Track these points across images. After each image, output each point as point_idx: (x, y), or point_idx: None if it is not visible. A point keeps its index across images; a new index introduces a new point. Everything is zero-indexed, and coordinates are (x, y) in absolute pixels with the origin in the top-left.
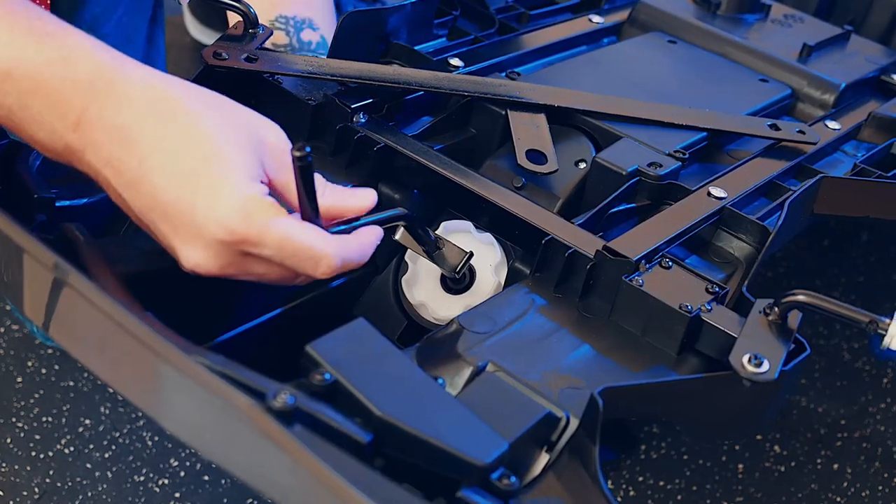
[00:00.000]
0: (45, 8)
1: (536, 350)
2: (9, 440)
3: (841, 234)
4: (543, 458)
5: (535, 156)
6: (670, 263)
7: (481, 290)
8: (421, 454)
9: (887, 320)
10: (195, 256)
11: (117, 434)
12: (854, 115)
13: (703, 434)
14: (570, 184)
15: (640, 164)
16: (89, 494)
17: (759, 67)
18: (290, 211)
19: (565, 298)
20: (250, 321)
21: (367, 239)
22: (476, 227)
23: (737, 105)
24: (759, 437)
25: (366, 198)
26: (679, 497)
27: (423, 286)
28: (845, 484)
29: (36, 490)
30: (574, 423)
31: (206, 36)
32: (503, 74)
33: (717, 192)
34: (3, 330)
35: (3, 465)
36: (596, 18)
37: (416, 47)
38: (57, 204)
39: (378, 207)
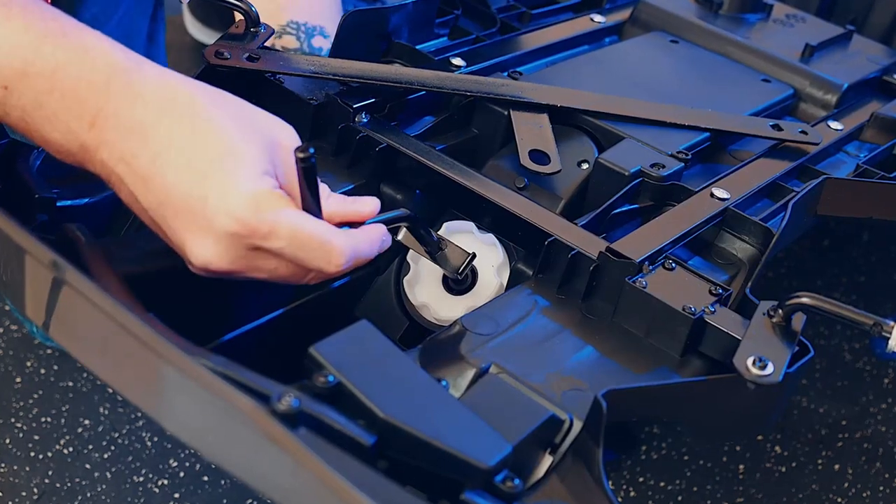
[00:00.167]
0: None
1: (539, 352)
2: (8, 441)
3: (842, 234)
4: (547, 461)
5: (538, 156)
6: (673, 265)
7: (483, 291)
8: (424, 456)
9: (892, 322)
10: (206, 252)
11: (116, 434)
12: (856, 116)
13: (706, 436)
14: (572, 184)
15: (643, 164)
16: (88, 495)
17: (761, 67)
18: None
19: (568, 300)
20: (251, 322)
21: (375, 233)
22: (478, 228)
23: (739, 105)
24: (759, 437)
25: (368, 205)
26: (680, 498)
27: (424, 287)
28: (846, 484)
29: (35, 491)
30: (577, 426)
31: (205, 35)
32: (505, 74)
33: (719, 193)
34: (2, 330)
35: (2, 465)
36: (597, 18)
37: (417, 47)
38: (58, 204)
39: (380, 208)
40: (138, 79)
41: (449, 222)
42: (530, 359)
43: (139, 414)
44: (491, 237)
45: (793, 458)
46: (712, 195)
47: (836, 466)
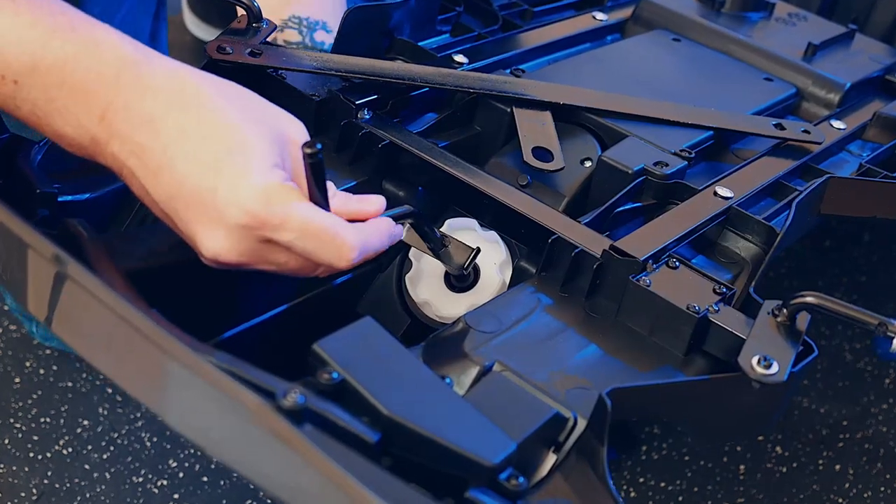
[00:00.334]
0: None
1: (543, 350)
2: (7, 441)
3: (843, 233)
4: (551, 459)
5: (542, 153)
6: (677, 263)
7: (486, 289)
8: (429, 454)
9: None
10: (216, 244)
11: (116, 435)
12: (859, 115)
13: (708, 435)
14: (575, 182)
15: (647, 162)
16: (88, 495)
17: (764, 66)
18: None
19: (571, 298)
20: (253, 318)
21: (384, 226)
22: (481, 225)
23: (742, 104)
24: (760, 438)
25: (374, 203)
26: (680, 498)
27: (427, 284)
28: (847, 485)
29: (34, 491)
30: (581, 424)
31: (205, 32)
32: (508, 71)
33: (723, 191)
34: (1, 331)
35: (1, 466)
36: (599, 16)
37: (419, 43)
38: (59, 199)
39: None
40: (148, 71)
41: (451, 219)
42: (534, 357)
43: (138, 414)
44: (493, 234)
45: (794, 458)
46: (716, 194)
47: (837, 467)
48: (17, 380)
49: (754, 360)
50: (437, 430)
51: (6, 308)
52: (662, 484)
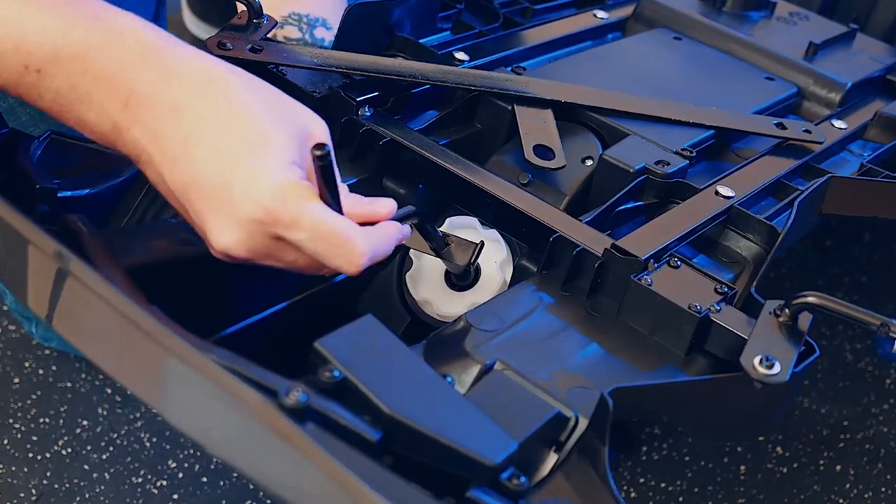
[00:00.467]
0: None
1: (544, 349)
2: (6, 441)
3: (844, 233)
4: (552, 459)
5: (543, 151)
6: (679, 263)
7: (486, 287)
8: (430, 453)
9: None
10: (228, 238)
11: (115, 435)
12: (860, 115)
13: (710, 435)
14: (576, 181)
15: (648, 161)
16: (87, 496)
17: (765, 65)
18: None
19: (573, 297)
20: (253, 316)
21: (392, 230)
22: (482, 224)
23: (743, 103)
24: (761, 438)
25: (385, 206)
26: (681, 499)
27: (427, 283)
28: (848, 485)
29: (33, 492)
30: (583, 424)
31: (204, 32)
32: (508, 69)
33: (724, 191)
34: (0, 331)
35: (1, 466)
36: (600, 14)
37: (420, 41)
38: (59, 195)
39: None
40: (172, 59)
41: (452, 217)
42: (535, 356)
43: (138, 415)
44: (494, 233)
45: (794, 458)
46: (717, 193)
47: (838, 467)
48: (17, 380)
49: (756, 360)
50: (439, 428)
51: (6, 308)
52: (663, 484)
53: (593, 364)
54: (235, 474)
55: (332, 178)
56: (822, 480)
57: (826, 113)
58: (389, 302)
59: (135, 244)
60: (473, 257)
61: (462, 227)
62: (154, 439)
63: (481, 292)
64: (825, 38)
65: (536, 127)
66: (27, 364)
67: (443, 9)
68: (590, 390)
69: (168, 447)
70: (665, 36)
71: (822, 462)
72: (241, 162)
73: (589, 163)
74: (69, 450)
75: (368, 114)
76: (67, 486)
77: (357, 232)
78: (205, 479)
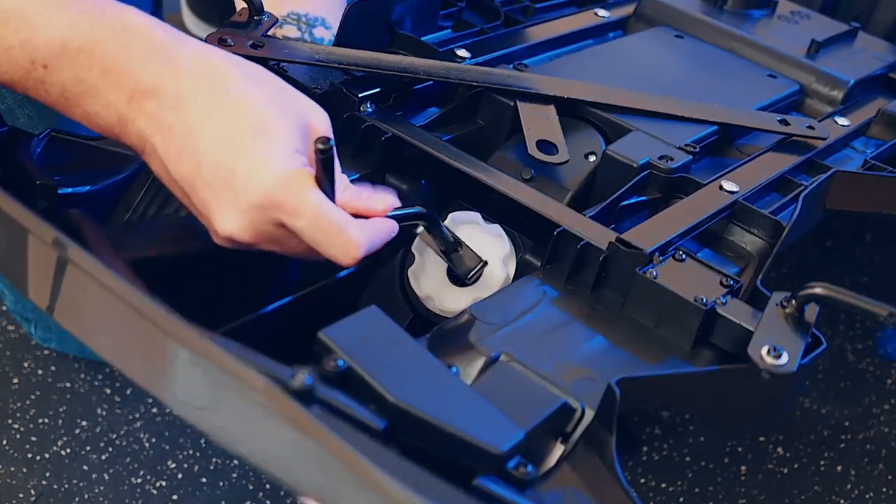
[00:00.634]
0: None
1: (549, 341)
2: (5, 442)
3: (845, 233)
4: (558, 450)
5: (546, 146)
6: (684, 256)
7: (489, 283)
8: (435, 441)
9: None
10: (232, 223)
11: (114, 436)
12: (862, 112)
13: (717, 428)
14: (579, 176)
15: (651, 156)
16: (86, 496)
17: (767, 63)
18: None
19: (577, 291)
20: (254, 311)
21: (387, 227)
22: (484, 219)
23: (745, 100)
24: (761, 438)
25: (383, 202)
26: (681, 499)
27: (430, 278)
28: (849, 486)
29: (32, 492)
30: (589, 415)
31: (203, 31)
32: (510, 66)
33: (728, 186)
34: None
35: (0, 466)
36: (602, 12)
37: (421, 38)
38: (59, 191)
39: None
40: (177, 53)
41: (455, 213)
42: (540, 348)
43: (137, 415)
44: (497, 228)
45: (795, 459)
46: (721, 188)
47: (839, 468)
48: (16, 380)
49: (764, 350)
50: (444, 417)
51: (4, 309)
52: (663, 485)
53: (598, 357)
54: (235, 475)
55: (332, 170)
56: (822, 481)
57: (828, 110)
58: (392, 297)
59: (137, 238)
60: (474, 274)
61: (465, 222)
62: (153, 440)
63: (484, 288)
64: (827, 36)
65: (539, 122)
66: (26, 364)
67: (444, 7)
68: (595, 382)
69: (167, 448)
70: (666, 34)
71: (822, 462)
72: (245, 151)
73: (592, 158)
74: (68, 450)
75: (370, 110)
76: (66, 486)
77: (353, 224)
78: (204, 480)
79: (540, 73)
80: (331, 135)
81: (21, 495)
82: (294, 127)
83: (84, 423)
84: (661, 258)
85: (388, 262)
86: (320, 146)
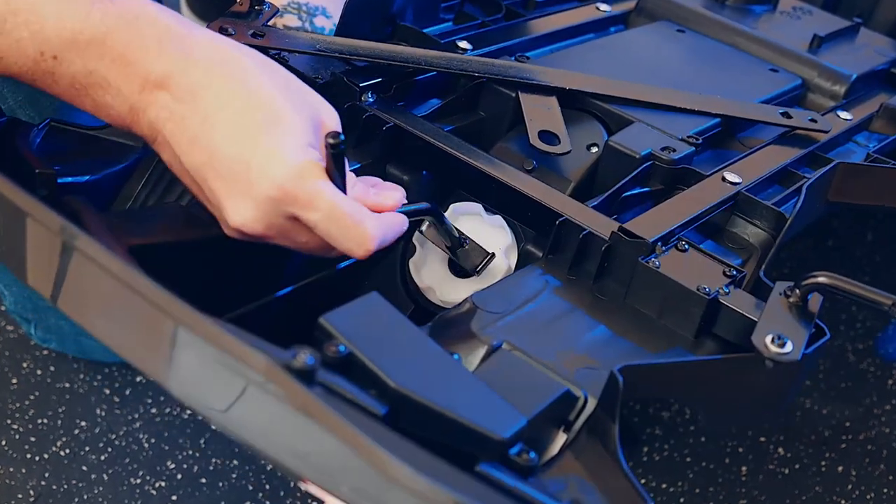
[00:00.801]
0: None
1: (551, 330)
2: (4, 442)
3: (845, 234)
4: (561, 438)
5: (548, 136)
6: (686, 246)
7: (491, 274)
8: (437, 428)
9: None
10: (243, 215)
11: (113, 436)
12: (865, 107)
13: (720, 419)
14: (581, 167)
15: (654, 148)
16: (85, 497)
17: (769, 58)
18: None
19: (579, 280)
20: (253, 301)
21: (398, 221)
22: (486, 210)
23: (747, 94)
24: (762, 439)
25: (391, 198)
26: (682, 500)
27: (430, 269)
28: (850, 486)
29: (31, 493)
30: (592, 403)
31: None
32: (512, 58)
33: (731, 177)
34: None
35: None
36: (603, 7)
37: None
38: (59, 181)
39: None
40: (189, 42)
41: (456, 204)
42: (542, 337)
43: (136, 415)
44: (499, 219)
45: (796, 459)
46: (724, 179)
47: (840, 468)
48: (15, 381)
49: (768, 339)
50: (446, 403)
51: (3, 309)
52: (664, 485)
53: (601, 346)
54: (235, 475)
55: (343, 165)
56: (823, 481)
57: (831, 105)
58: (392, 288)
59: (137, 225)
60: (481, 266)
61: (466, 213)
62: (153, 440)
63: (486, 279)
64: (829, 31)
65: (541, 113)
66: (25, 365)
67: None
68: (598, 370)
69: (167, 448)
70: (668, 28)
71: (823, 463)
72: (259, 141)
73: (594, 150)
74: (67, 451)
75: (371, 100)
76: (66, 487)
77: (369, 217)
78: (204, 481)
79: (542, 65)
80: (338, 123)
81: (20, 496)
82: (306, 120)
83: (83, 423)
84: (663, 248)
85: (391, 251)
86: (331, 140)
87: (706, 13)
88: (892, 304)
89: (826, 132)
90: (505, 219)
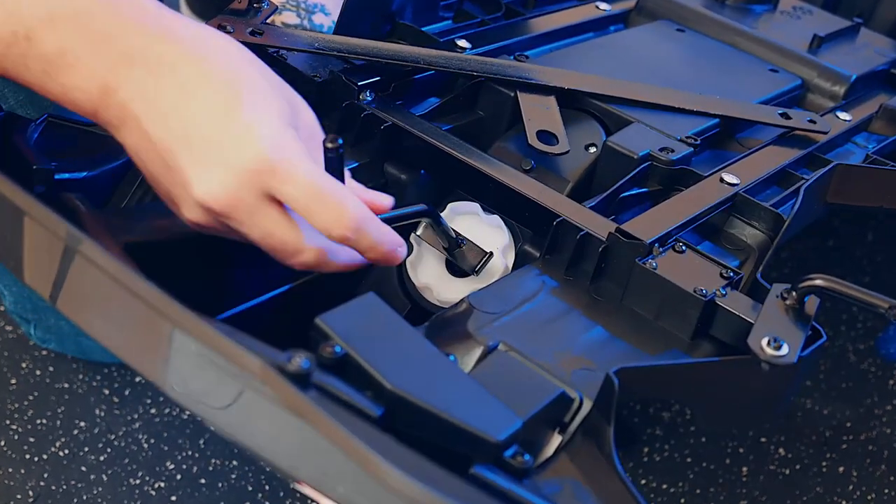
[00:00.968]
0: None
1: (548, 331)
2: (3, 443)
3: (846, 234)
4: (556, 440)
5: (546, 136)
6: (684, 248)
7: (488, 274)
8: (433, 429)
9: None
10: (211, 185)
11: (113, 437)
12: (864, 108)
13: (717, 421)
14: (579, 167)
15: (652, 148)
16: (84, 498)
17: (769, 58)
18: None
19: (576, 281)
20: (248, 301)
21: (387, 229)
22: (484, 210)
23: (747, 94)
24: (763, 439)
25: (384, 200)
26: (683, 500)
27: (428, 268)
28: (851, 487)
29: (30, 493)
30: (587, 405)
31: None
32: (511, 58)
33: (729, 178)
34: None
35: None
36: (603, 5)
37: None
38: (56, 177)
39: (384, 188)
40: (169, 22)
41: (453, 203)
42: (538, 338)
43: (136, 416)
44: (496, 219)
45: (797, 460)
46: (722, 180)
47: (841, 469)
48: (14, 381)
49: (764, 342)
50: (442, 405)
51: (2, 309)
52: (664, 486)
53: (597, 347)
54: (234, 476)
55: (341, 168)
56: (824, 482)
57: (830, 105)
58: (389, 288)
59: (133, 223)
60: (480, 266)
61: (464, 212)
62: (152, 440)
63: (483, 279)
64: (829, 31)
65: (539, 113)
66: (24, 365)
67: None
68: (594, 372)
69: (166, 448)
70: (668, 28)
71: (824, 463)
72: (240, 113)
73: (592, 150)
74: (66, 451)
75: (369, 98)
76: (65, 487)
77: (351, 197)
78: (203, 481)
79: (541, 64)
80: (315, 123)
81: (19, 496)
82: (286, 103)
83: (82, 423)
84: (660, 249)
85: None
86: (329, 144)
87: (706, 12)
88: (889, 307)
89: (825, 133)
90: (503, 219)
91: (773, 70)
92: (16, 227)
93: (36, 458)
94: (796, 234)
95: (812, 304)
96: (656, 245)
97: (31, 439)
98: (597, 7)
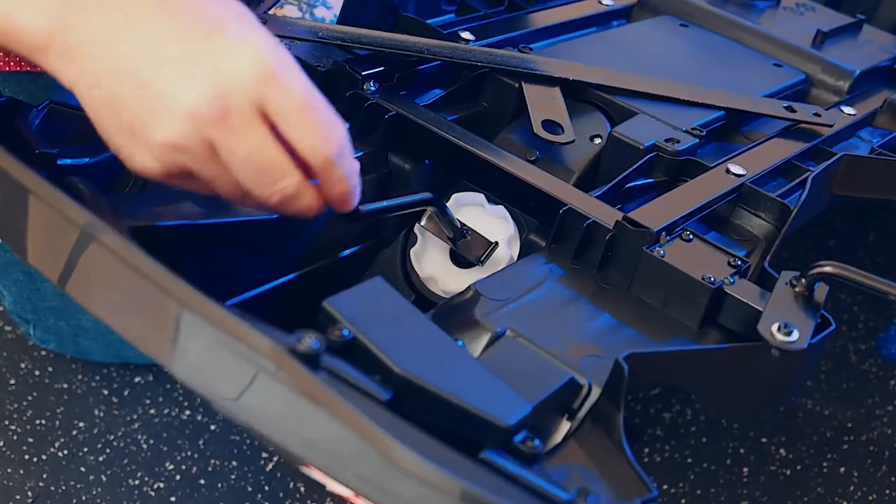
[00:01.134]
0: None
1: (555, 318)
2: (2, 443)
3: (847, 234)
4: (565, 426)
5: (551, 126)
6: (691, 237)
7: (493, 264)
8: (441, 413)
9: None
10: (193, 95)
11: (112, 437)
12: (868, 103)
13: (726, 409)
14: (585, 158)
15: (658, 139)
16: (83, 498)
17: (773, 52)
18: None
19: (583, 269)
20: (252, 289)
21: (357, 170)
22: (488, 200)
23: (751, 89)
24: (764, 440)
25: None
26: (683, 501)
27: (432, 259)
28: (852, 487)
29: (29, 494)
30: (596, 392)
31: None
32: (515, 50)
33: (735, 169)
34: None
35: None
36: (606, 1)
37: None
38: (58, 162)
39: (388, 178)
40: None
41: (458, 194)
42: (546, 325)
43: (135, 416)
44: (501, 209)
45: (798, 460)
46: (728, 171)
47: (842, 469)
48: (13, 381)
49: (774, 327)
50: (450, 389)
51: (2, 309)
52: (665, 486)
53: (605, 334)
54: (234, 476)
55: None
56: (825, 483)
57: (834, 100)
58: (394, 279)
59: (137, 209)
60: (485, 256)
61: (468, 203)
62: (151, 441)
63: (488, 269)
64: (833, 26)
65: (544, 103)
66: (23, 365)
67: None
68: (602, 359)
69: (165, 449)
70: (671, 22)
71: (825, 464)
72: (230, 23)
73: (597, 141)
74: (66, 451)
75: (373, 88)
76: (64, 488)
77: (339, 119)
78: (202, 482)
79: (545, 56)
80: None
81: (18, 497)
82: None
83: (81, 424)
84: (667, 238)
85: (392, 241)
86: None
87: (709, 8)
88: None
89: (830, 126)
90: (507, 209)
91: (776, 65)
92: (20, 205)
93: (35, 459)
94: (801, 226)
95: (821, 291)
96: (663, 234)
97: (31, 439)
98: (600, 2)
